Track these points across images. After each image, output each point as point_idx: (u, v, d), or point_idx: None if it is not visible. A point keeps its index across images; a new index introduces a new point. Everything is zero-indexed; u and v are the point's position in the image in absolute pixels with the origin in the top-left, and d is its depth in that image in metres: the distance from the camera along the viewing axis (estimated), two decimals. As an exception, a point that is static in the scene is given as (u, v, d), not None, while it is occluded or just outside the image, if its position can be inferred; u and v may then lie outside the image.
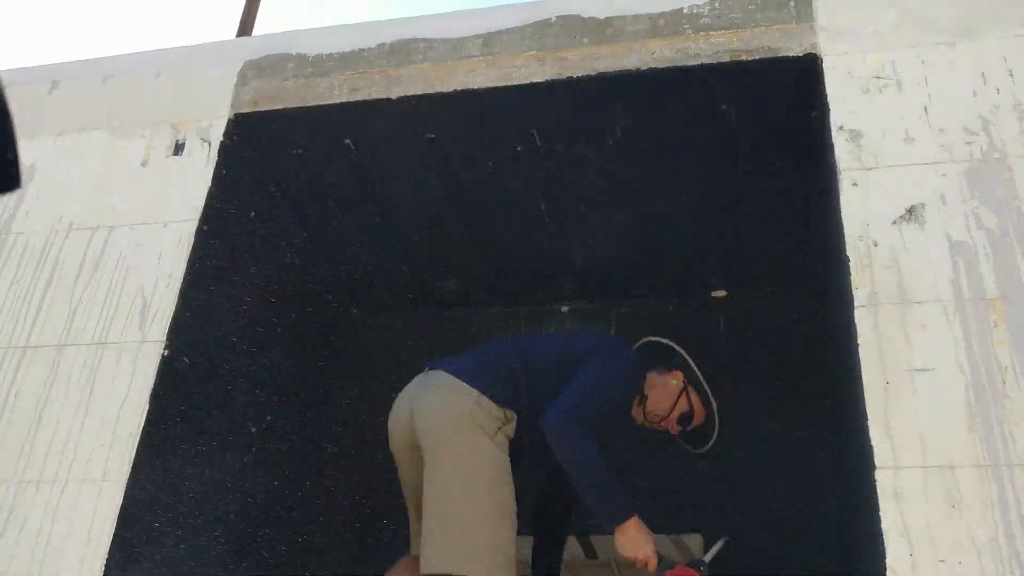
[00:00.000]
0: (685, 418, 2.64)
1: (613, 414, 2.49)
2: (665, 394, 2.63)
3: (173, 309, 2.54)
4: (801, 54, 2.50)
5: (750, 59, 2.52)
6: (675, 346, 2.72)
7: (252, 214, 3.03)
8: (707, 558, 2.49)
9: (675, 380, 2.64)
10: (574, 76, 2.64)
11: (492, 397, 2.36)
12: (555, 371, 2.45)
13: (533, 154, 2.91)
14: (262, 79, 2.92)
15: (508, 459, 2.33)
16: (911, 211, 2.16)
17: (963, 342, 1.97)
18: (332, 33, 3.00)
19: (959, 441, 1.87)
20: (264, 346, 3.14)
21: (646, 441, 2.90)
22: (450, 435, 2.31)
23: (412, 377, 2.56)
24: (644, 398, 2.61)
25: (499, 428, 2.33)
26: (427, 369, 2.53)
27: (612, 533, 2.33)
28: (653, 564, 2.30)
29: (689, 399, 2.64)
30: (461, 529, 2.21)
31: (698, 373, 2.66)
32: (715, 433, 2.68)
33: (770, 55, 2.51)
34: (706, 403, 2.66)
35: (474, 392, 2.35)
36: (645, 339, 2.79)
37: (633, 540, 2.30)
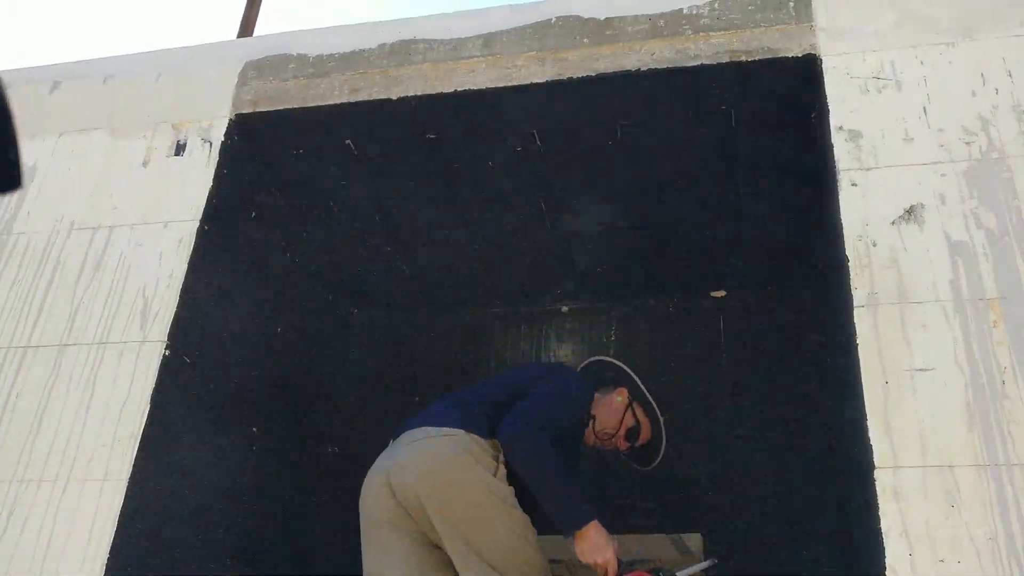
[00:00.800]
0: (632, 433, 2.68)
1: (565, 431, 2.43)
2: (611, 411, 2.67)
3: (174, 309, 2.54)
4: (800, 55, 2.50)
5: (750, 60, 2.52)
6: (618, 363, 2.77)
7: (252, 214, 3.03)
8: (685, 571, 2.44)
9: (620, 397, 2.69)
10: (574, 76, 2.64)
11: (477, 432, 2.29)
12: (509, 400, 2.41)
13: (533, 154, 2.91)
14: (263, 79, 2.92)
15: (512, 490, 2.26)
16: (910, 211, 2.16)
17: (962, 342, 1.97)
18: (332, 33, 3.00)
19: (958, 441, 1.87)
20: (264, 346, 3.14)
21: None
22: (453, 480, 2.23)
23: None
24: (592, 418, 2.65)
25: (498, 462, 2.28)
26: (391, 441, 2.44)
27: (572, 538, 2.26)
28: (613, 568, 2.23)
29: (635, 415, 2.68)
30: (502, 568, 2.18)
31: (643, 389, 2.70)
32: (662, 449, 2.71)
33: (770, 56, 2.52)
34: (652, 418, 2.69)
35: (460, 431, 2.28)
36: (589, 359, 2.86)
37: (593, 545, 2.23)
